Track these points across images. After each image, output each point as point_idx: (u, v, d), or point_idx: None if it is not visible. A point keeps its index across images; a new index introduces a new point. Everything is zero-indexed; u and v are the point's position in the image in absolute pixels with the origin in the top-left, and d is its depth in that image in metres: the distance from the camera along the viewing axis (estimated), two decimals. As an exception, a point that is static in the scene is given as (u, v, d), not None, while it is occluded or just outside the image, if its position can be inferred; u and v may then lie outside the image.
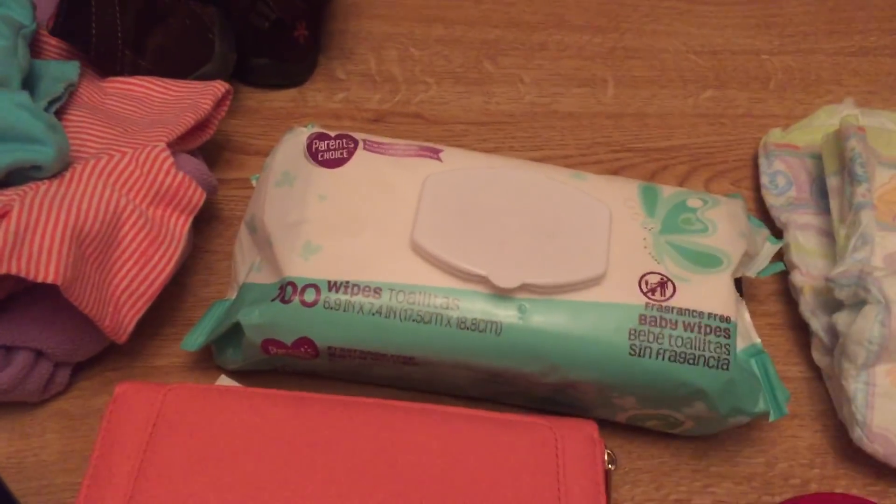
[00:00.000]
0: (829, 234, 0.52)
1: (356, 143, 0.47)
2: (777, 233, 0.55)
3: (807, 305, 0.50)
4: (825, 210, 0.54)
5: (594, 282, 0.42)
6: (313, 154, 0.46)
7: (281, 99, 0.60)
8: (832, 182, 0.53)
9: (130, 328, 0.43)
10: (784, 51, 0.66)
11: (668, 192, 0.47)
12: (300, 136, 0.47)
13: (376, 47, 0.63)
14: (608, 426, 0.47)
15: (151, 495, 0.37)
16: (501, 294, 0.42)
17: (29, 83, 0.46)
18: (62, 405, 0.45)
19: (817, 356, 0.49)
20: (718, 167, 0.59)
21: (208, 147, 0.56)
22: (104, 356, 0.47)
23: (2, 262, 0.37)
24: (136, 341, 0.48)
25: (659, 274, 0.43)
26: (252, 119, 0.58)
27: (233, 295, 0.46)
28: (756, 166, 0.59)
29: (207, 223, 0.53)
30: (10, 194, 0.41)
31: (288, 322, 0.42)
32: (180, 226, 0.45)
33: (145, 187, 0.44)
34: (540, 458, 0.40)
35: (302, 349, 0.43)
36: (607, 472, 0.41)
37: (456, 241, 0.43)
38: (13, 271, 0.37)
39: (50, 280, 0.38)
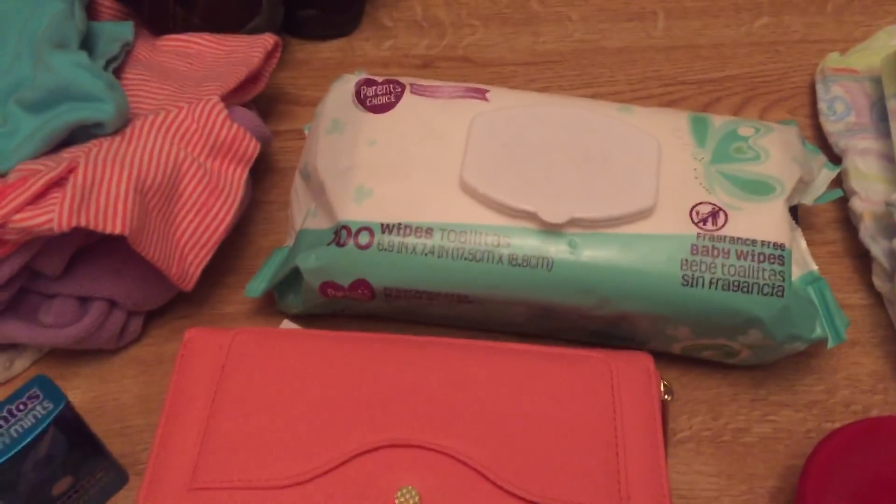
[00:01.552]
0: (889, 159, 0.51)
1: (403, 87, 0.47)
2: (836, 160, 0.53)
3: (867, 231, 0.49)
4: (885, 134, 0.52)
5: (644, 214, 0.43)
6: (361, 100, 0.47)
7: (330, 49, 0.60)
8: (892, 104, 0.51)
9: (196, 276, 0.45)
10: (842, -28, 0.64)
11: (718, 121, 0.47)
12: (348, 83, 0.48)
13: (422, -8, 0.63)
14: (665, 358, 0.47)
15: (223, 431, 0.39)
16: (551, 230, 0.42)
17: (86, 45, 0.48)
18: (137, 352, 0.48)
19: (878, 282, 0.48)
20: (774, 96, 0.58)
21: (262, 100, 0.57)
22: (174, 305, 0.49)
23: (72, 216, 0.39)
24: (202, 290, 0.50)
25: (710, 204, 0.43)
26: (303, 71, 0.59)
27: (291, 242, 0.48)
28: (814, 93, 0.58)
29: (264, 174, 0.54)
30: (75, 151, 0.43)
31: (344, 265, 0.43)
32: (237, 176, 0.47)
33: (202, 140, 0.45)
34: (596, 391, 0.41)
35: (359, 291, 0.44)
36: (664, 403, 0.41)
37: (504, 180, 0.43)
38: (82, 224, 0.39)
39: (118, 231, 0.40)
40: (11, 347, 0.46)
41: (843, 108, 0.55)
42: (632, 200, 0.42)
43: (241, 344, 0.42)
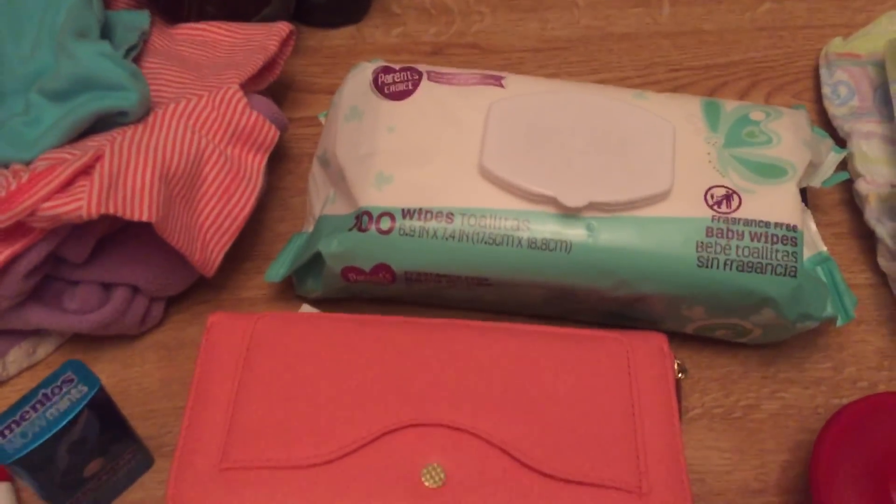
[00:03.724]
0: (893, 142, 0.52)
1: (420, 74, 0.48)
2: (841, 143, 0.55)
3: (872, 213, 0.50)
4: (889, 118, 0.53)
5: (660, 197, 0.44)
6: (379, 87, 0.48)
7: (340, 37, 0.61)
8: (895, 90, 0.52)
9: (218, 262, 0.46)
10: (843, -42, 0.65)
11: (730, 106, 0.48)
12: (366, 70, 0.49)
13: (430, -21, 0.64)
14: (677, 338, 0.48)
15: (251, 413, 0.40)
16: (570, 213, 0.43)
17: (104, 33, 0.48)
18: (159, 337, 0.49)
19: (883, 262, 0.50)
20: (779, 81, 0.59)
21: (274, 88, 0.57)
22: (193, 290, 0.50)
23: (100, 203, 0.39)
24: (220, 275, 0.50)
25: (724, 187, 0.44)
26: (314, 58, 0.60)
27: (310, 227, 0.48)
28: (817, 77, 0.59)
29: (279, 161, 0.55)
30: (99, 140, 0.44)
31: (366, 249, 0.44)
32: (257, 163, 0.47)
33: (223, 128, 0.46)
34: (612, 371, 0.42)
35: (380, 275, 0.45)
36: (677, 382, 0.42)
37: (523, 165, 0.44)
38: (111, 211, 0.40)
39: (144, 218, 0.41)
40: (35, 333, 0.47)
41: (846, 92, 0.56)
42: (648, 184, 0.43)
43: (265, 328, 0.42)
